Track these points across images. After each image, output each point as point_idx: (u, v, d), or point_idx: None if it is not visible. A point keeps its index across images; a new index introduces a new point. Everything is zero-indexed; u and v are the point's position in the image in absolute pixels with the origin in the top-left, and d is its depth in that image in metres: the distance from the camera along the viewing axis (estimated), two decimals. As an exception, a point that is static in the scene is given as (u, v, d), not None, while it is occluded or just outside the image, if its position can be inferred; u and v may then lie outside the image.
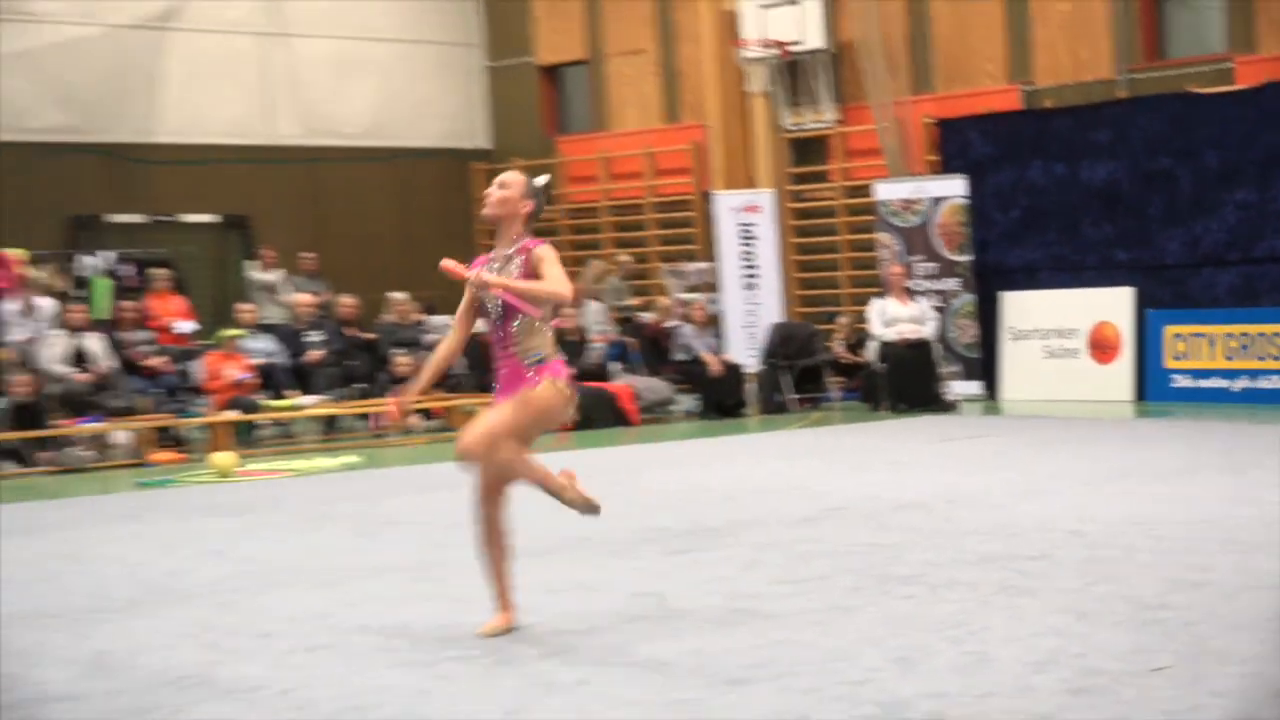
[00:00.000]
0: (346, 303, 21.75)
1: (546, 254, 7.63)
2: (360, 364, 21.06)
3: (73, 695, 6.76)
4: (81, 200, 23.86)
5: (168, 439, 18.84)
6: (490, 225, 7.88)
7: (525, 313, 7.62)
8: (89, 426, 17.70)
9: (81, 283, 22.57)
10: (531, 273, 7.61)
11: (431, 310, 23.52)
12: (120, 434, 17.94)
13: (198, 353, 20.36)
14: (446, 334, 8.18)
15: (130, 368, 19.43)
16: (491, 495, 7.75)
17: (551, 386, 7.63)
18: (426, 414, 20.04)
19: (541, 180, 7.88)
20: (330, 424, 20.12)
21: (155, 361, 19.79)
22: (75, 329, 19.17)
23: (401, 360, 20.32)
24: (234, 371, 19.11)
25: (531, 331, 7.65)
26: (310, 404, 19.35)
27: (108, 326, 20.34)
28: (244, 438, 19.22)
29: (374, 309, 22.64)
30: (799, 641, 7.23)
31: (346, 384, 20.81)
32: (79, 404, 18.25)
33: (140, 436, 17.87)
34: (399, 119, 27.07)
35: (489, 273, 7.72)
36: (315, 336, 20.77)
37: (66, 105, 23.86)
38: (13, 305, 20.02)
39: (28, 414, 17.42)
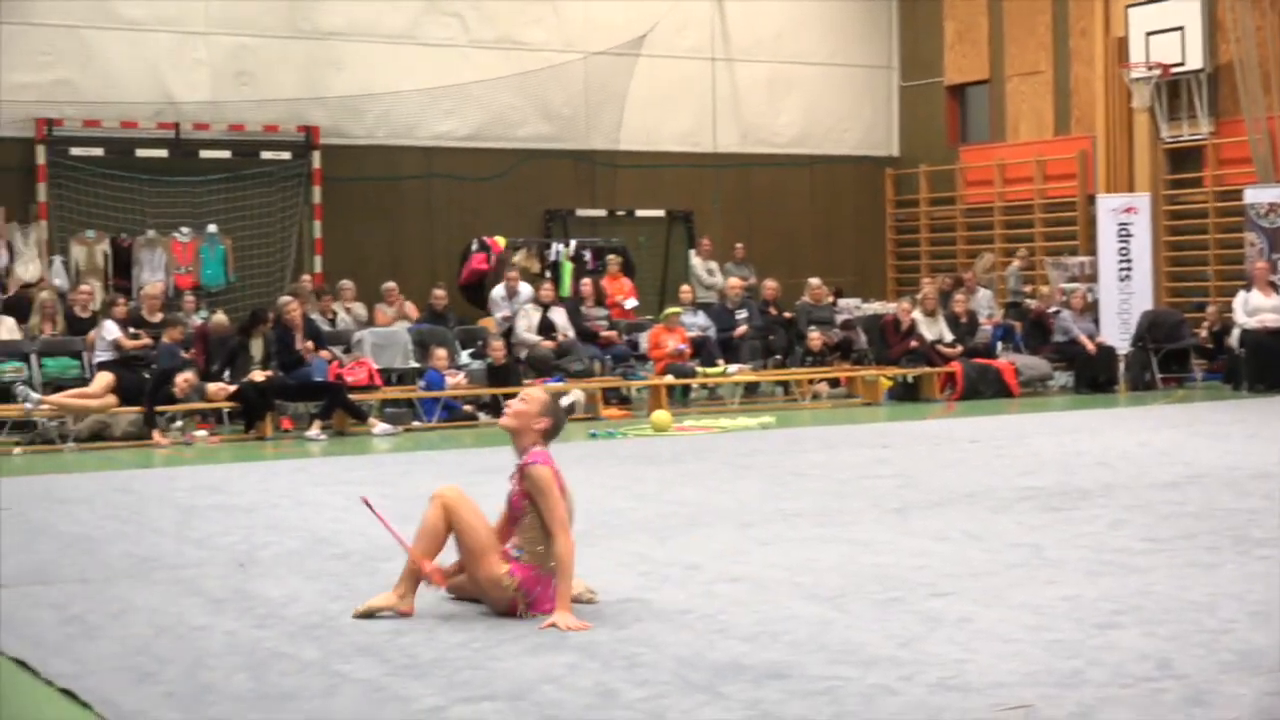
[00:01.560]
0: (770, 286, 21.82)
1: (540, 478, 6.56)
2: (779, 338, 21.09)
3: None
4: (555, 197, 24.46)
5: (615, 398, 19.15)
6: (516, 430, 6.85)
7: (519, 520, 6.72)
8: (552, 386, 18.05)
9: (551, 265, 23.13)
10: (523, 492, 6.68)
11: (840, 294, 23.47)
12: (576, 392, 18.22)
13: (643, 326, 20.65)
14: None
15: (587, 337, 19.79)
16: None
17: (509, 582, 6.65)
18: (834, 382, 19.94)
19: (567, 400, 7.03)
20: (751, 389, 20.18)
21: (608, 333, 20.12)
22: (544, 304, 19.62)
23: (814, 336, 20.24)
24: (673, 343, 19.29)
25: (527, 539, 6.72)
26: (735, 372, 19.42)
27: (570, 302, 20.80)
28: (679, 399, 19.43)
29: (793, 292, 22.65)
30: (1162, 593, 6.92)
31: (767, 355, 20.88)
32: (544, 366, 18.67)
33: (593, 396, 18.17)
34: (821, 131, 27.01)
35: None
36: (742, 314, 20.85)
37: (548, 118, 24.46)
38: (499, 287, 20.63)
39: (502, 374, 17.89)
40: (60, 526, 9.78)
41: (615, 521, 9.50)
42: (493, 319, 20.44)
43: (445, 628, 6.53)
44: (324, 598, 7.26)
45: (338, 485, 11.73)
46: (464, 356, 19.22)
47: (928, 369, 19.73)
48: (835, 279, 24.20)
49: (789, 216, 26.59)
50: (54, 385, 16.81)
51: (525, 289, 20.27)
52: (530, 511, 6.74)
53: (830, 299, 22.28)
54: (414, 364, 18.73)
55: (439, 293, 20.33)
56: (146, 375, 16.22)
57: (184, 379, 16.22)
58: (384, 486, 11.52)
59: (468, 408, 17.69)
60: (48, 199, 21.09)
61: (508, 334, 19.44)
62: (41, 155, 21.04)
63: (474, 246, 22.47)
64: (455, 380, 17.71)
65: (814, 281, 21.87)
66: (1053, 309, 21.39)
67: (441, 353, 17.88)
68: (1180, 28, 22.65)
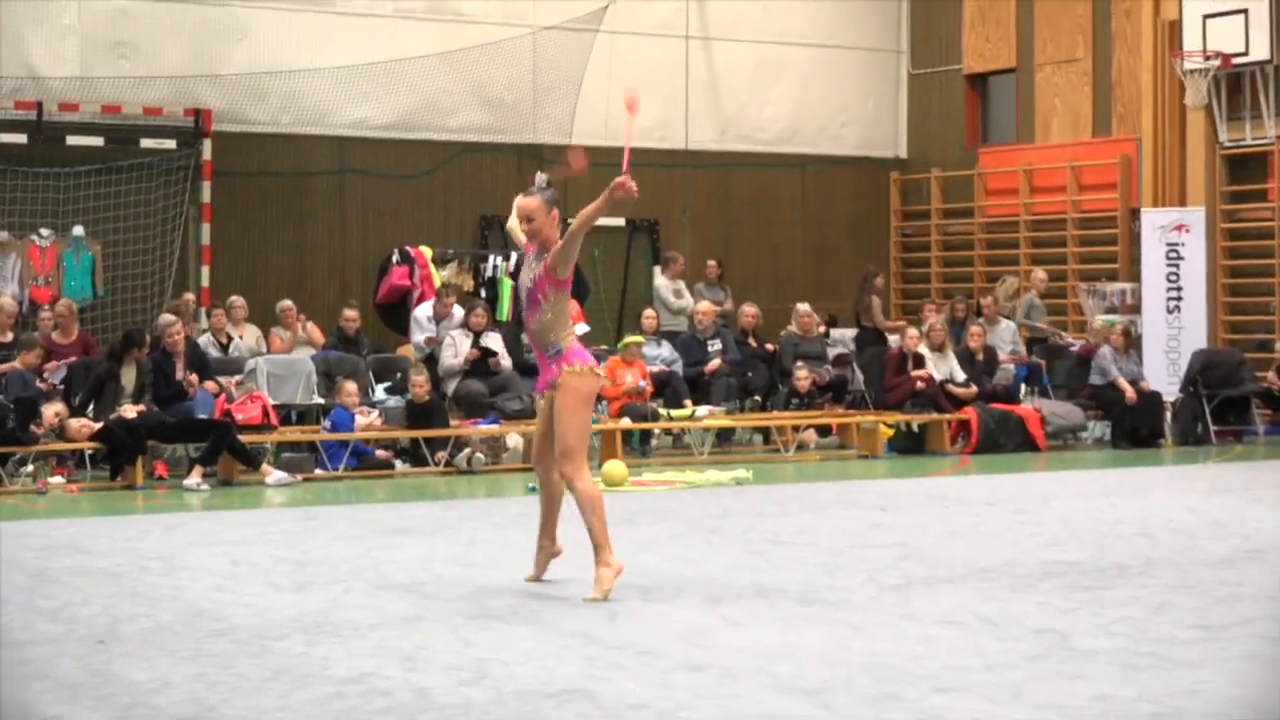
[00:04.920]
0: (748, 312, 21.84)
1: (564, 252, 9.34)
2: (759, 376, 21.12)
3: (454, 704, 6.82)
4: (493, 200, 24.34)
5: (561, 444, 19.08)
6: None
7: (542, 305, 9.30)
8: (484, 429, 18.05)
9: (486, 283, 23.09)
10: (547, 274, 9.34)
11: (834, 323, 23.51)
12: (514, 437, 18.25)
13: (598, 358, 20.58)
14: None
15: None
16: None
17: (573, 374, 9.30)
18: (824, 430, 19.96)
19: (542, 178, 9.01)
20: (724, 436, 20.18)
21: (553, 365, 20.03)
22: (477, 330, 19.60)
23: (801, 374, 20.28)
24: (631, 378, 19.30)
25: (548, 327, 9.34)
26: (705, 415, 19.43)
27: (509, 328, 20.77)
28: (636, 447, 19.41)
29: (777, 320, 22.67)
30: (1213, 692, 6.93)
31: (744, 396, 20.90)
32: (476, 405, 18.64)
33: (533, 441, 18.06)
34: (814, 126, 27.09)
35: (528, 268, 9.46)
36: (715, 346, 20.88)
37: (487, 105, 24.41)
38: (424, 307, 20.60)
39: (424, 413, 17.85)
40: (-118, 591, 9.70)
41: (554, 595, 9.47)
42: (412, 346, 20.41)
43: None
44: (201, 684, 7.21)
45: (221, 546, 11.66)
46: (379, 391, 19.17)
47: (936, 415, 19.77)
48: (828, 305, 24.22)
49: (774, 229, 26.62)
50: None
51: (459, 314, 20.25)
52: (550, 297, 9.34)
53: (821, 329, 22.30)
54: (318, 399, 18.68)
55: (350, 314, 20.30)
56: (8, 404, 16.13)
57: (54, 413, 16.16)
58: (277, 548, 11.49)
59: (382, 454, 17.64)
60: (-125, 191, 21.05)
61: (431, 363, 19.39)
62: None
63: (394, 258, 22.42)
64: (367, 420, 17.68)
65: (802, 308, 21.91)
66: (1071, 344, 21.47)
67: (351, 386, 17.85)
68: (1244, 10, 22.75)
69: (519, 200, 9.63)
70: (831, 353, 21.78)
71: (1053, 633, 8.27)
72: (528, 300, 9.42)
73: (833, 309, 24.32)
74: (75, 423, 16.27)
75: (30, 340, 17.77)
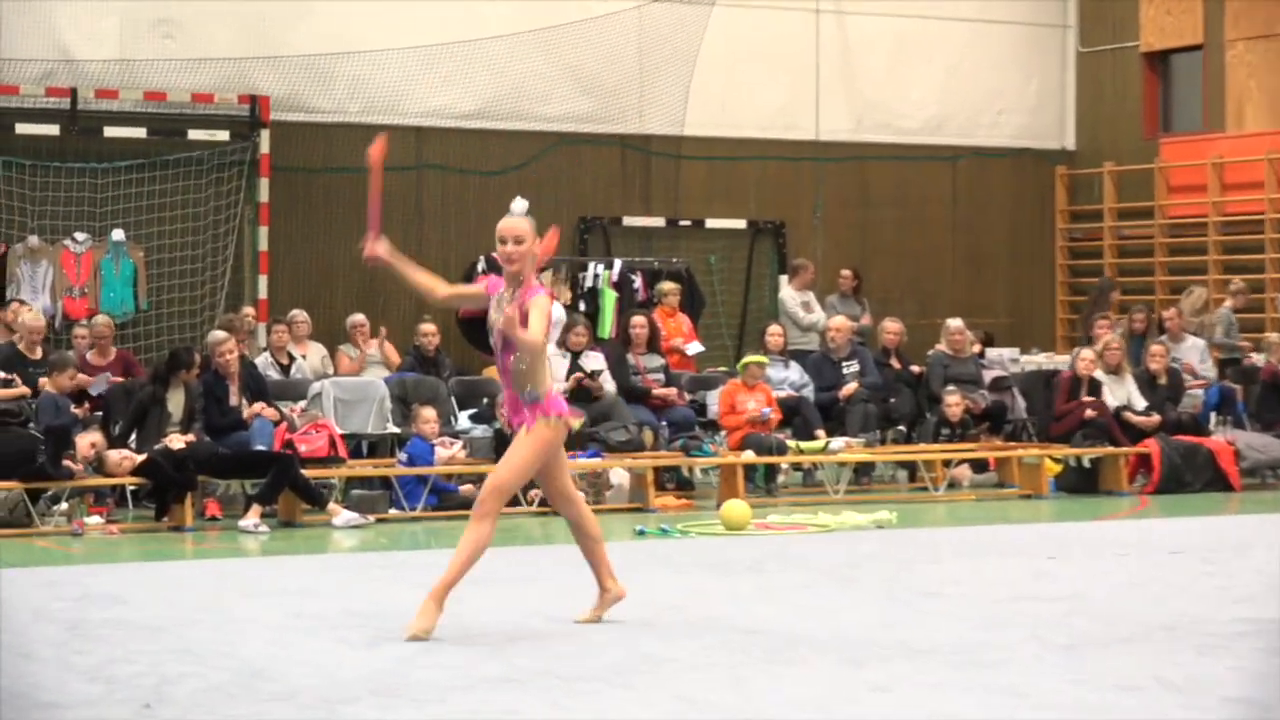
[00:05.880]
0: (891, 329, 21.76)
1: (537, 302, 9.88)
2: (903, 402, 21.04)
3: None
4: (595, 200, 24.50)
5: (673, 481, 19.09)
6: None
7: (517, 351, 9.77)
8: (584, 463, 18.05)
9: (586, 294, 23.11)
10: (523, 312, 9.75)
11: (990, 341, 23.38)
12: (619, 472, 18.25)
13: (714, 381, 20.62)
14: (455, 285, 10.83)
15: (635, 395, 19.75)
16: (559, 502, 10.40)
17: (546, 425, 9.84)
18: (979, 465, 19.86)
19: (523, 203, 10.48)
20: (863, 472, 20.11)
21: (664, 390, 20.03)
22: (576, 350, 19.62)
23: (953, 400, 20.16)
24: (754, 405, 19.26)
25: (523, 376, 9.86)
26: (841, 448, 19.36)
27: (613, 347, 20.76)
28: (760, 484, 19.37)
29: (923, 338, 22.59)
30: None
31: (885, 426, 20.81)
32: (575, 435, 18.63)
33: (641, 477, 18.13)
34: (966, 113, 27.11)
35: (495, 308, 9.98)
36: (851, 367, 20.82)
37: (586, 90, 24.51)
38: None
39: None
40: (-105, 646, 9.81)
41: (666, 654, 9.45)
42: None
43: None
44: (258, 754, 7.26)
45: (281, 597, 11.73)
46: (463, 419, 19.22)
47: (1111, 449, 19.63)
48: (983, 321, 24.14)
49: (919, 232, 26.59)
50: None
51: (557, 322, 20.25)
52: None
53: (976, 349, 22.20)
54: (393, 428, 18.74)
55: (428, 329, 20.35)
56: (37, 433, 16.26)
57: (91, 443, 16.27)
58: (345, 599, 11.53)
59: (466, 490, 17.68)
60: (-109, 190, 21.36)
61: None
62: (-117, 130, 21.33)
63: (480, 266, 22.49)
64: (449, 453, 17.73)
65: (953, 324, 21.83)
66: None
67: (430, 414, 17.90)
68: None
69: (502, 222, 10.42)
70: (988, 376, 21.67)
71: (1249, 702, 8.19)
72: (500, 340, 10.00)
73: (988, 325, 24.22)
74: (115, 455, 16.37)
75: (63, 359, 17.80)
